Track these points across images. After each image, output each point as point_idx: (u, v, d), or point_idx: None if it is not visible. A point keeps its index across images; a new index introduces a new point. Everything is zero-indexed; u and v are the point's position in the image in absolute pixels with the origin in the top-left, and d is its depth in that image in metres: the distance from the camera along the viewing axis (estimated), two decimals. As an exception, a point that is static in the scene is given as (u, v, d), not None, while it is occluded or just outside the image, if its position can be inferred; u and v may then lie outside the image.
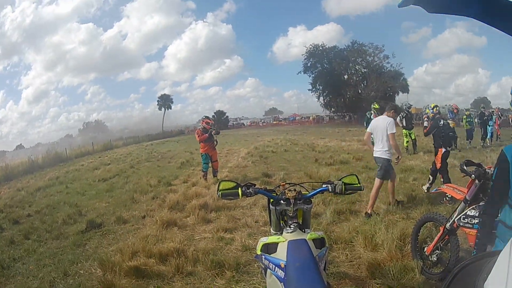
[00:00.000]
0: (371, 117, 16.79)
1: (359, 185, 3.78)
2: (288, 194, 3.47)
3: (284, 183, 3.75)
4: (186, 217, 9.71)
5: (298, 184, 3.77)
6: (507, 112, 35.75)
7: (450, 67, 57.81)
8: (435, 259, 5.58)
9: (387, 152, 9.03)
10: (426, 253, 5.69)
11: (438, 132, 11.27)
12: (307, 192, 3.69)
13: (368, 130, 9.84)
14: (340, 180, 3.76)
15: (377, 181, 9.05)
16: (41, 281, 6.48)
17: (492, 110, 24.69)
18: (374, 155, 9.38)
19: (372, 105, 17.37)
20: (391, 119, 9.09)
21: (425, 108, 20.15)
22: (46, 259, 7.58)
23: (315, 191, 3.71)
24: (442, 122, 11.21)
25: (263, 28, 70.43)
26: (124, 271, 6.19)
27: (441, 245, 5.45)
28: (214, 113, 54.16)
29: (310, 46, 58.62)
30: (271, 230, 3.78)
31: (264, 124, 58.11)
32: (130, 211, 11.00)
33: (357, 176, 3.83)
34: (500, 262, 1.58)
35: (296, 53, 61.03)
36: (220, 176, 14.84)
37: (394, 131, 9.00)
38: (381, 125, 9.13)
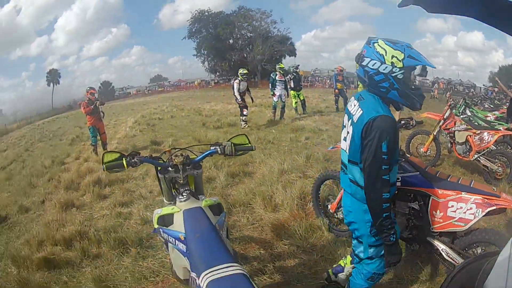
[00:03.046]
0: (276, 77, 18.21)
1: (249, 145, 3.81)
2: (176, 160, 3.40)
3: (169, 149, 3.68)
4: (83, 195, 9.43)
5: (184, 148, 3.74)
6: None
7: (341, 33, 58.34)
8: (341, 216, 5.52)
9: None
10: (330, 210, 5.76)
11: None
12: (195, 156, 3.65)
13: None
14: (229, 141, 3.75)
15: None
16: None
17: None
18: None
19: (277, 66, 18.56)
20: None
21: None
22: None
23: (204, 154, 3.67)
24: None
25: (150, -6, 68.47)
26: (35, 264, 5.83)
27: None
28: (101, 84, 52.29)
29: (196, 12, 57.78)
30: (164, 200, 3.69)
31: (150, 92, 56.01)
32: (30, 197, 10.53)
33: (246, 136, 3.85)
34: (500, 262, 1.67)
35: (181, 20, 59.06)
36: (110, 148, 14.55)
37: None
38: None
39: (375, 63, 3.16)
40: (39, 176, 12.92)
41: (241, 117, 16.62)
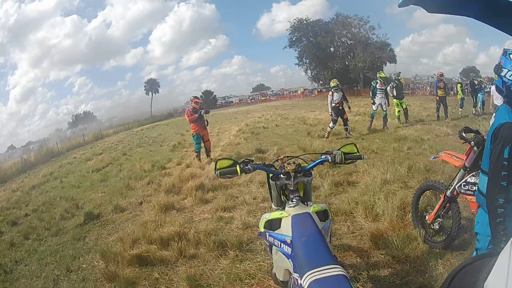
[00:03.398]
0: (377, 86, 17.81)
1: (358, 154, 3.78)
2: (288, 168, 3.43)
3: (282, 157, 3.75)
4: (184, 199, 9.67)
5: (297, 157, 3.80)
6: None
7: (437, 36, 56.65)
8: (437, 227, 5.57)
9: None
10: (427, 221, 5.69)
11: None
12: (306, 164, 3.67)
13: None
14: (339, 150, 3.75)
15: None
16: (44, 281, 6.46)
17: (481, 79, 24.36)
18: None
19: (377, 74, 18.09)
20: None
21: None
22: (48, 257, 7.53)
23: (315, 163, 3.68)
24: None
25: (246, 5, 69.58)
26: (127, 260, 6.17)
27: (442, 213, 5.44)
28: (202, 93, 53.43)
29: (294, 21, 58.10)
30: (273, 206, 3.77)
31: (252, 100, 56.62)
32: (126, 198, 10.95)
33: (355, 145, 3.82)
34: (500, 262, 1.58)
35: (280, 29, 60.11)
36: (214, 155, 14.76)
37: None
38: None
39: None
40: (138, 179, 13.41)
41: (328, 128, 16.68)
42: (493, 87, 9.16)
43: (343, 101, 16.32)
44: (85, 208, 10.66)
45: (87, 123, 52.45)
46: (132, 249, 6.60)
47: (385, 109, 17.58)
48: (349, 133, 16.26)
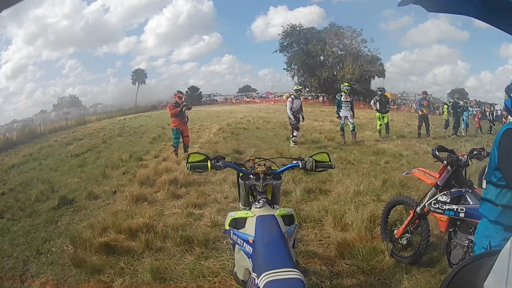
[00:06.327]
0: (341, 98, 17.61)
1: (330, 163, 3.79)
2: (258, 169, 3.51)
3: (254, 158, 3.79)
4: (156, 192, 9.79)
5: (268, 159, 3.81)
6: (483, 105, 34.86)
7: (429, 56, 56.39)
8: (405, 242, 5.65)
9: None
10: (396, 236, 5.74)
11: None
12: (277, 168, 3.72)
13: None
14: (311, 157, 3.78)
15: None
16: (15, 261, 6.46)
17: (466, 101, 24.26)
18: None
19: (342, 85, 17.90)
20: None
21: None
22: (20, 238, 7.53)
23: (285, 167, 3.74)
24: None
25: (244, 5, 69.06)
26: (95, 247, 6.23)
27: (411, 228, 5.51)
28: (188, 88, 53.03)
29: (287, 26, 57.90)
30: (240, 205, 3.82)
31: (237, 101, 56.13)
32: (101, 186, 11.03)
33: (328, 154, 3.84)
34: (500, 262, 1.60)
35: (274, 33, 59.13)
36: (191, 151, 14.47)
37: None
38: None
39: None
40: (114, 168, 13.50)
41: (291, 138, 16.59)
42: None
43: (299, 110, 16.56)
44: (60, 192, 10.68)
45: (71, 107, 52.04)
46: (101, 237, 6.65)
47: (351, 122, 17.39)
48: (295, 144, 16.25)
